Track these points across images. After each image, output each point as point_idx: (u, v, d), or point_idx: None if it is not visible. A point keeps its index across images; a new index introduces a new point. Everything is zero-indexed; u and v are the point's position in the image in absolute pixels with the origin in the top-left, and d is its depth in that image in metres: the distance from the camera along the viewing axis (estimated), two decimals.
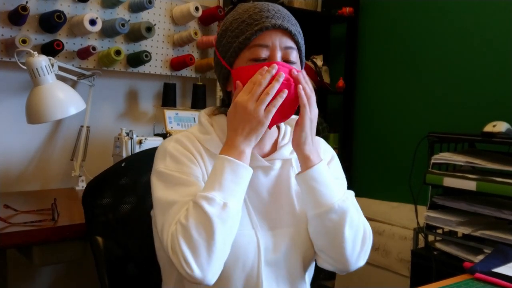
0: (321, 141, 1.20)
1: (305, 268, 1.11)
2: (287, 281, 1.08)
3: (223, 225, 0.93)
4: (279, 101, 0.97)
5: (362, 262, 1.07)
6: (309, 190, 1.03)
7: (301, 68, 1.08)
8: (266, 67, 0.99)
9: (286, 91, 0.98)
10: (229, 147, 0.99)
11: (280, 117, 1.03)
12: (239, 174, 0.97)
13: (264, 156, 1.10)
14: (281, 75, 0.98)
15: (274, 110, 0.97)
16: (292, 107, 1.03)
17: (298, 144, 1.03)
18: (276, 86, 0.97)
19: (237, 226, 0.97)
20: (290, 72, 1.01)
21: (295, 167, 1.12)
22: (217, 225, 0.92)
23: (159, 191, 1.01)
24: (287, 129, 1.16)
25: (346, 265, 1.06)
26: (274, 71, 0.98)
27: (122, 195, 1.33)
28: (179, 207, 0.97)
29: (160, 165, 1.04)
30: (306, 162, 1.03)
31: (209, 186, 0.96)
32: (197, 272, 0.90)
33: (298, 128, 1.02)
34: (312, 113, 1.02)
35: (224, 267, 0.96)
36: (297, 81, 1.00)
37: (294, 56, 1.04)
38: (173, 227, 0.94)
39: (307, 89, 1.01)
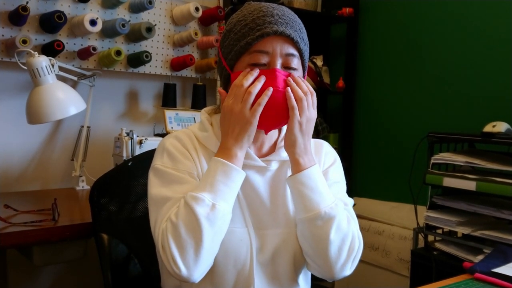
0: (324, 144, 1.20)
1: (296, 270, 1.10)
2: (278, 282, 1.08)
3: (211, 227, 0.94)
4: (265, 99, 0.99)
5: (348, 271, 1.04)
6: (297, 194, 1.04)
7: (303, 75, 1.08)
8: (248, 70, 1.01)
9: (271, 89, 0.99)
10: (222, 150, 1.02)
11: (276, 122, 1.04)
12: (231, 176, 0.99)
13: (262, 156, 1.11)
14: (263, 77, 1.00)
15: (260, 108, 0.99)
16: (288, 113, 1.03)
17: (288, 146, 1.04)
18: (258, 85, 0.99)
19: (226, 227, 0.99)
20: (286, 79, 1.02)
21: None
22: (205, 226, 0.94)
23: (154, 187, 1.04)
24: None
25: (330, 273, 1.04)
26: (256, 73, 1.00)
27: (128, 193, 1.35)
28: (172, 203, 0.99)
29: (157, 161, 1.07)
30: (295, 166, 1.04)
31: (200, 187, 0.98)
32: (183, 271, 0.93)
33: (287, 131, 1.04)
34: (303, 116, 1.02)
35: (215, 262, 0.99)
36: (286, 84, 1.01)
37: (295, 63, 1.04)
38: (164, 224, 0.97)
39: (298, 92, 1.01)
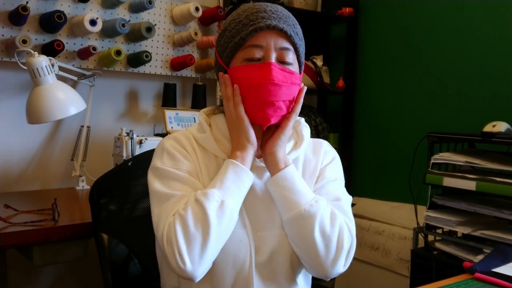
0: (324, 143, 1.20)
1: (294, 271, 1.10)
2: (277, 282, 1.08)
3: (219, 223, 0.95)
4: (237, 97, 1.03)
5: (341, 268, 1.04)
6: (277, 196, 1.05)
7: (300, 70, 1.09)
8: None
9: (236, 86, 1.03)
10: (231, 153, 1.05)
11: (272, 115, 1.04)
12: (241, 176, 1.01)
13: (261, 157, 1.11)
14: (226, 77, 1.04)
15: (239, 107, 1.04)
16: (286, 107, 1.06)
17: (273, 145, 1.06)
18: (228, 89, 1.05)
19: (232, 227, 1.00)
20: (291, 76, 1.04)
21: None
22: (213, 221, 0.94)
23: (156, 184, 1.04)
24: None
25: (323, 271, 1.03)
26: (222, 78, 1.06)
27: (128, 193, 1.36)
28: (175, 200, 1.00)
29: (157, 161, 1.07)
30: (276, 166, 1.05)
31: (211, 185, 1.00)
32: (188, 265, 0.93)
33: (284, 126, 1.07)
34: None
35: (215, 262, 0.99)
36: (302, 88, 1.09)
37: (290, 57, 1.04)
38: (170, 218, 0.97)
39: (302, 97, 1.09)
